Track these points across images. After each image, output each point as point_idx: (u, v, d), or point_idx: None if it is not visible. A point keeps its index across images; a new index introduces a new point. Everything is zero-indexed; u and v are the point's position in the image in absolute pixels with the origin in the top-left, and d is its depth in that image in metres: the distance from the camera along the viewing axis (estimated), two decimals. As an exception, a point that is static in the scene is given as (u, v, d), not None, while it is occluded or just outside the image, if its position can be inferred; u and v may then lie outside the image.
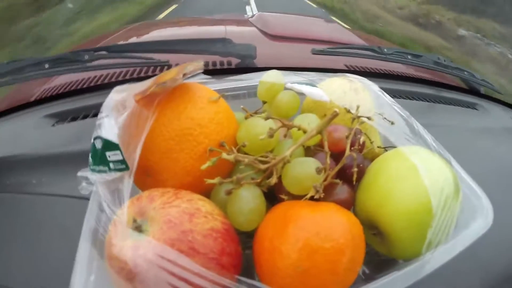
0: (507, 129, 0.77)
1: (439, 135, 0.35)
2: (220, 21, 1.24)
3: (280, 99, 0.31)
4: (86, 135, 0.48)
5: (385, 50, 0.73)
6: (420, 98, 0.76)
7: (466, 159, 0.31)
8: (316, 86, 0.32)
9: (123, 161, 0.23)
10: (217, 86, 0.34)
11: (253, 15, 1.16)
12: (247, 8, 6.40)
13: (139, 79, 0.62)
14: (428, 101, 0.76)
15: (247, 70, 0.63)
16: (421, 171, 0.23)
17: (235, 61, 0.65)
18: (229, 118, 0.28)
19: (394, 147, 0.29)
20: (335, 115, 0.24)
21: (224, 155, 0.23)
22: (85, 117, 0.53)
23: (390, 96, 0.52)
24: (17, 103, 0.62)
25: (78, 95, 0.59)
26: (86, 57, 0.56)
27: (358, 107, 0.27)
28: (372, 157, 0.30)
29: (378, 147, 0.31)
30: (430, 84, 0.84)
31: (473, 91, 0.89)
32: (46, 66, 0.58)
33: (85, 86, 0.60)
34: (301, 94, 0.32)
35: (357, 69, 0.75)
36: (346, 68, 0.73)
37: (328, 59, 0.72)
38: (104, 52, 0.57)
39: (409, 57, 0.77)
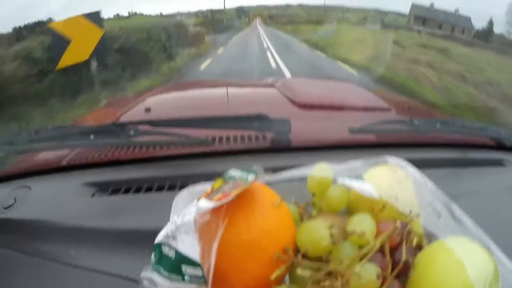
0: None
1: (468, 205, 0.36)
2: (247, 86, 1.31)
3: (331, 195, 0.33)
4: (127, 211, 0.50)
5: (416, 121, 0.75)
6: (446, 165, 0.75)
7: (496, 227, 0.32)
8: (363, 179, 0.34)
9: (202, 277, 0.25)
10: (268, 178, 0.36)
11: (277, 80, 1.20)
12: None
13: (180, 156, 0.63)
14: (454, 167, 0.75)
15: (282, 147, 0.65)
16: (467, 266, 0.26)
17: (269, 135, 0.66)
18: (289, 222, 0.30)
19: (436, 236, 0.31)
20: (395, 230, 0.26)
21: (300, 271, 0.25)
22: (126, 191, 0.54)
23: (417, 167, 0.55)
24: (56, 164, 0.65)
25: (119, 165, 0.61)
26: (131, 132, 0.59)
27: (418, 215, 0.29)
28: (415, 246, 0.32)
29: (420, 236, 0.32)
30: (455, 146, 0.83)
31: (500, 146, 0.89)
32: (91, 137, 0.60)
33: (126, 156, 0.63)
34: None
35: (388, 143, 0.76)
36: (377, 141, 0.75)
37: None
38: (148, 127, 0.60)
39: (438, 125, 0.79)
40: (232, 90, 1.26)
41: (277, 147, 0.65)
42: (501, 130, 0.89)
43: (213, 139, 0.65)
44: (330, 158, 0.45)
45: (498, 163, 0.82)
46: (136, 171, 0.59)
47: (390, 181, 0.35)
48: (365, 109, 0.93)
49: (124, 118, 0.85)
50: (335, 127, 0.75)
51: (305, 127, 0.74)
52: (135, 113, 0.92)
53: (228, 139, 0.66)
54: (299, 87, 1.12)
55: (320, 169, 0.35)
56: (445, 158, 0.77)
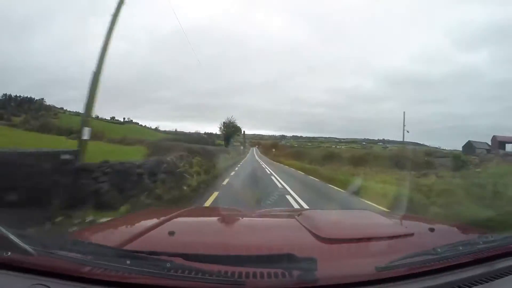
0: None
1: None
2: (267, 216, 1.38)
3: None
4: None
5: (439, 250, 0.76)
6: (476, 282, 0.74)
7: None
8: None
9: None
10: None
11: (299, 213, 1.23)
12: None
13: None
14: (484, 282, 0.74)
15: (309, 285, 0.66)
16: None
17: (296, 273, 0.66)
18: None
19: None
20: None
21: None
22: None
23: None
24: (77, 273, 0.66)
25: None
26: (168, 265, 0.62)
27: None
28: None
29: None
30: (482, 261, 0.82)
31: None
32: (128, 262, 0.64)
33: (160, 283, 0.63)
34: None
35: (413, 274, 0.74)
36: (401, 275, 0.73)
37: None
38: (181, 261, 0.63)
39: (460, 248, 0.79)
40: (254, 220, 1.32)
41: (304, 285, 0.66)
42: None
43: (244, 275, 0.66)
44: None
45: None
46: None
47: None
48: (388, 237, 0.92)
49: (150, 240, 0.89)
50: (361, 264, 0.75)
51: (331, 264, 0.74)
52: (158, 235, 0.95)
53: (255, 275, 0.67)
54: (320, 220, 1.14)
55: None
56: (474, 275, 0.76)
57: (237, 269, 0.66)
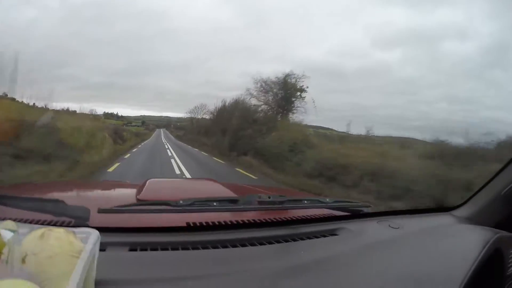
0: (366, 245, 0.76)
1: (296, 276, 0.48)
2: (110, 185, 1.53)
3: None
4: None
5: (181, 202, 0.73)
6: (274, 241, 0.75)
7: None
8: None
9: None
10: None
11: (145, 181, 1.27)
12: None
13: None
14: (285, 242, 0.75)
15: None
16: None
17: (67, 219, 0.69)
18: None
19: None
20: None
21: None
22: None
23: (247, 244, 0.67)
24: None
25: None
26: None
27: None
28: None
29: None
30: (285, 224, 0.82)
31: (334, 216, 0.87)
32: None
33: None
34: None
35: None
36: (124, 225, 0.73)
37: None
38: None
39: (214, 204, 0.76)
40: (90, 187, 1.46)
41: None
42: (323, 199, 0.87)
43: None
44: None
45: (331, 233, 0.81)
46: None
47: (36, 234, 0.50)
48: None
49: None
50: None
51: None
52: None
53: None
54: (149, 186, 1.19)
55: (4, 224, 0.54)
56: (269, 235, 0.77)
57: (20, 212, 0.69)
